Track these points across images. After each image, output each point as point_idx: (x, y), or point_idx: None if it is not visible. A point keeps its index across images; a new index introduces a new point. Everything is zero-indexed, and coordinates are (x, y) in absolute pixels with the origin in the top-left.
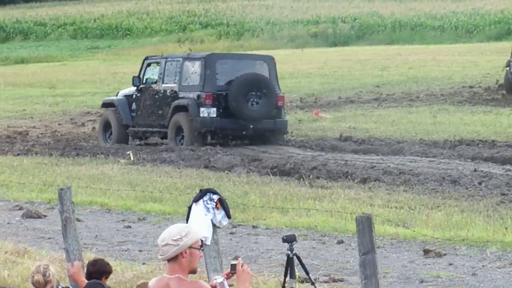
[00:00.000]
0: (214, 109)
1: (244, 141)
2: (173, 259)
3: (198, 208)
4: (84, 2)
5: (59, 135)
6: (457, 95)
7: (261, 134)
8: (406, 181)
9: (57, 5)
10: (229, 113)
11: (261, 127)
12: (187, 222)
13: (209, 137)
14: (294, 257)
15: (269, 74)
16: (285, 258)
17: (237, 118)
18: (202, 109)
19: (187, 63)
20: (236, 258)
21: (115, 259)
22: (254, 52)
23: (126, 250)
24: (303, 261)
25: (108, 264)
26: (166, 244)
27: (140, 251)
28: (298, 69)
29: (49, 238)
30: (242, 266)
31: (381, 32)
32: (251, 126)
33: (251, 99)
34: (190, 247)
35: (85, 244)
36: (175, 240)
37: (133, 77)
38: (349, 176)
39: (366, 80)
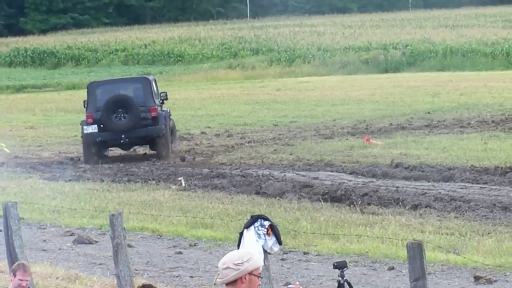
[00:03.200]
0: (95, 125)
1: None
2: (232, 284)
3: (249, 234)
4: (136, 29)
5: (111, 160)
6: (508, 122)
7: (139, 141)
8: (457, 207)
9: (108, 31)
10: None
11: (135, 136)
12: (238, 248)
13: (95, 149)
14: (345, 283)
15: (143, 92)
16: (336, 284)
17: (113, 131)
18: (85, 127)
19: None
20: (290, 283)
21: (166, 285)
22: (305, 78)
23: (177, 276)
24: (354, 287)
25: None
26: (227, 268)
27: (191, 277)
28: (349, 96)
29: (101, 264)
30: None
31: (432, 58)
32: (123, 136)
33: (118, 115)
34: (250, 273)
35: (136, 270)
36: (236, 264)
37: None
38: (400, 203)
39: (417, 106)
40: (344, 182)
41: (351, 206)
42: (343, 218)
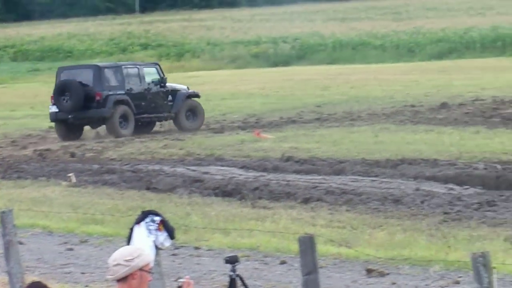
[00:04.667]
0: (55, 106)
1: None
2: (122, 280)
3: (140, 230)
4: (25, 25)
5: (0, 157)
6: (398, 114)
7: (86, 121)
8: (348, 200)
9: None
10: None
11: (81, 116)
12: (128, 244)
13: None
14: (237, 278)
15: (93, 79)
16: (228, 279)
17: (62, 111)
18: (50, 106)
19: None
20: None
21: (57, 282)
22: (195, 72)
23: (68, 273)
24: (246, 282)
25: (45, 286)
26: (117, 264)
27: (83, 273)
28: (239, 90)
29: None
30: (189, 286)
31: (322, 52)
32: (70, 116)
33: (65, 98)
34: (141, 269)
35: (28, 267)
36: (126, 261)
37: None
38: (291, 196)
39: (307, 100)
40: (235, 177)
41: (242, 200)
42: (234, 212)
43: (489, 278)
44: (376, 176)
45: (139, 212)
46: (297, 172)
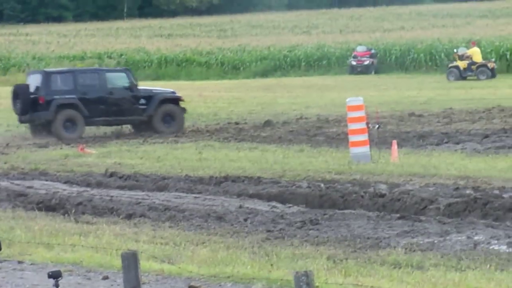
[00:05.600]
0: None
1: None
2: None
3: None
4: None
5: None
6: (222, 131)
7: (34, 122)
8: (172, 217)
9: None
10: None
11: (28, 119)
12: None
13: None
14: None
15: (40, 83)
16: None
17: (17, 114)
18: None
19: None
20: None
21: None
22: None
23: None
24: None
25: None
26: None
27: None
28: None
29: None
30: None
31: (147, 67)
32: (20, 118)
33: (16, 101)
34: None
35: None
36: None
37: None
38: (115, 212)
39: None
40: (58, 191)
41: (65, 215)
42: (57, 227)
43: None
44: (199, 193)
45: None
46: (121, 187)
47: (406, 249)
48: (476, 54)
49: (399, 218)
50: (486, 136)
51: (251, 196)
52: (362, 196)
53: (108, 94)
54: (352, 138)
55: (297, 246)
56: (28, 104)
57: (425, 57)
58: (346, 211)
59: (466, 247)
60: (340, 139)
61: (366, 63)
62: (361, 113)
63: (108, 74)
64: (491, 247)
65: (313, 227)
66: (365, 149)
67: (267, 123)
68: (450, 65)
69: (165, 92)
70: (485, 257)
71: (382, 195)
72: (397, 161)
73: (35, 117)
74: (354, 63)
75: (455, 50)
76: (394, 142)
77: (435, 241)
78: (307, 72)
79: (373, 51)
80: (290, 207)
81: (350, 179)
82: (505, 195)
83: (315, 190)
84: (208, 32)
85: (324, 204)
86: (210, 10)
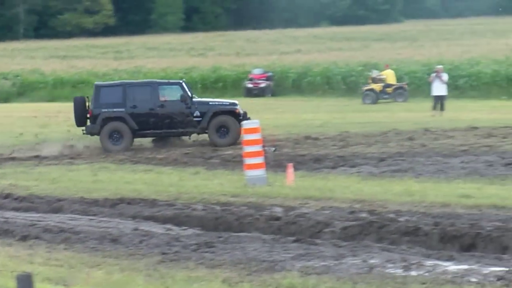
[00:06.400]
0: None
1: None
2: None
3: None
4: None
5: None
6: (118, 154)
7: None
8: (66, 239)
9: None
10: None
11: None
12: None
13: None
14: None
15: (93, 96)
16: None
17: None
18: None
19: None
20: None
21: None
22: None
23: None
24: None
25: None
26: None
27: None
28: None
29: None
30: None
31: (42, 89)
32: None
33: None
34: None
35: None
36: None
37: None
38: (9, 234)
39: (26, 137)
40: None
41: None
42: None
43: None
44: (94, 215)
45: None
46: (16, 209)
47: (301, 272)
48: (390, 76)
49: (294, 241)
50: (382, 160)
51: (146, 218)
52: (258, 219)
53: (159, 106)
54: (248, 161)
55: (192, 268)
56: (82, 117)
57: (321, 80)
58: (241, 234)
59: (362, 270)
60: (236, 162)
61: (262, 85)
62: (257, 136)
63: (161, 87)
64: (386, 271)
65: (208, 250)
66: (261, 172)
67: (162, 145)
68: (365, 88)
69: (221, 104)
70: (381, 281)
71: (278, 218)
72: (292, 184)
73: (88, 129)
74: (250, 85)
75: (369, 73)
76: (290, 165)
77: (331, 265)
78: (203, 95)
79: (269, 73)
80: (185, 229)
81: (246, 202)
82: (400, 219)
83: (210, 213)
84: (104, 54)
85: (219, 226)
86: (106, 31)
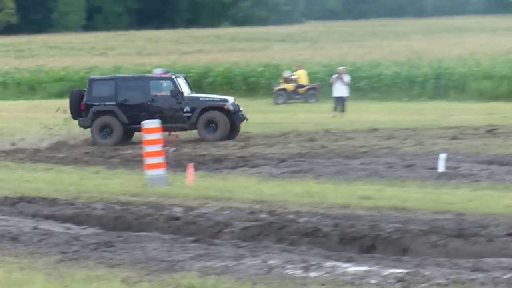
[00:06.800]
0: None
1: None
2: None
3: None
4: None
5: None
6: (18, 152)
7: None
8: None
9: None
10: None
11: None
12: None
13: None
14: None
15: (86, 89)
16: None
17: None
18: None
19: None
20: None
21: None
22: None
23: None
24: None
25: None
26: None
27: None
28: None
29: None
30: None
31: None
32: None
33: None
34: None
35: None
36: None
37: None
38: None
39: None
40: None
41: None
42: None
43: None
44: None
45: None
46: None
47: (200, 272)
48: (302, 76)
49: (193, 241)
50: (282, 161)
51: (46, 217)
52: (157, 219)
53: (150, 101)
54: (148, 161)
55: (92, 268)
56: (76, 109)
57: (222, 80)
58: (141, 233)
59: (261, 271)
60: (136, 161)
61: None
62: (157, 136)
63: (152, 82)
64: (285, 272)
65: (107, 249)
66: (161, 171)
67: (58, 144)
68: (277, 88)
69: (211, 100)
70: (280, 282)
71: (177, 218)
72: (192, 184)
73: (80, 122)
74: None
75: (282, 74)
76: (190, 165)
77: (230, 265)
78: None
79: (170, 73)
80: (85, 228)
81: (146, 202)
82: (300, 220)
83: (110, 212)
84: (5, 52)
85: (119, 226)
86: (8, 29)
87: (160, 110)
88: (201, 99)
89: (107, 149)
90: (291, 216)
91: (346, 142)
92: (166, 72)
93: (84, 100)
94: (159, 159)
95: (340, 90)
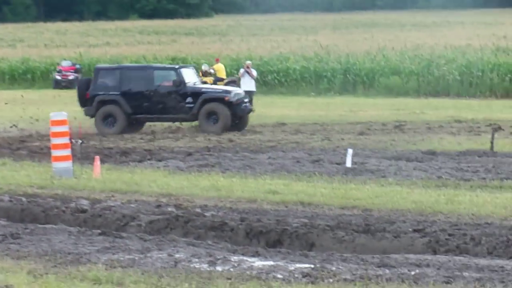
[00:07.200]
0: None
1: None
2: None
3: None
4: None
5: None
6: None
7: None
8: None
9: None
10: None
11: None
12: None
13: None
14: None
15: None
16: None
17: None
18: None
19: None
20: None
21: None
22: None
23: None
24: None
25: None
26: None
27: None
28: None
29: None
30: None
31: None
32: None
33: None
34: None
35: None
36: None
37: None
38: None
39: None
40: None
41: None
42: None
43: None
44: None
45: None
46: None
47: (106, 265)
48: (221, 70)
49: (100, 234)
50: (189, 154)
51: None
52: (64, 211)
53: (153, 91)
54: (55, 153)
55: None
56: (83, 98)
57: None
58: (47, 225)
59: (167, 264)
60: (43, 154)
61: (70, 78)
62: (64, 128)
63: (156, 72)
64: (192, 265)
65: (14, 241)
66: (68, 164)
67: None
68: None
69: (213, 91)
70: (186, 275)
71: (84, 211)
72: (99, 177)
73: (86, 111)
74: (58, 77)
75: (202, 67)
76: (97, 158)
77: (136, 258)
78: (12, 86)
79: (77, 66)
80: None
81: (52, 194)
82: (206, 214)
83: (16, 204)
84: None
85: (26, 218)
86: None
87: (163, 100)
88: (203, 90)
89: (14, 140)
90: (198, 210)
91: (253, 136)
92: (74, 65)
93: (90, 89)
94: (66, 152)
95: (247, 84)
